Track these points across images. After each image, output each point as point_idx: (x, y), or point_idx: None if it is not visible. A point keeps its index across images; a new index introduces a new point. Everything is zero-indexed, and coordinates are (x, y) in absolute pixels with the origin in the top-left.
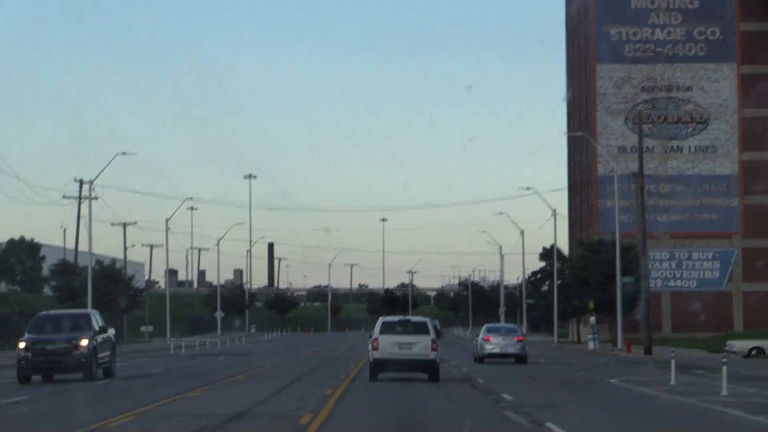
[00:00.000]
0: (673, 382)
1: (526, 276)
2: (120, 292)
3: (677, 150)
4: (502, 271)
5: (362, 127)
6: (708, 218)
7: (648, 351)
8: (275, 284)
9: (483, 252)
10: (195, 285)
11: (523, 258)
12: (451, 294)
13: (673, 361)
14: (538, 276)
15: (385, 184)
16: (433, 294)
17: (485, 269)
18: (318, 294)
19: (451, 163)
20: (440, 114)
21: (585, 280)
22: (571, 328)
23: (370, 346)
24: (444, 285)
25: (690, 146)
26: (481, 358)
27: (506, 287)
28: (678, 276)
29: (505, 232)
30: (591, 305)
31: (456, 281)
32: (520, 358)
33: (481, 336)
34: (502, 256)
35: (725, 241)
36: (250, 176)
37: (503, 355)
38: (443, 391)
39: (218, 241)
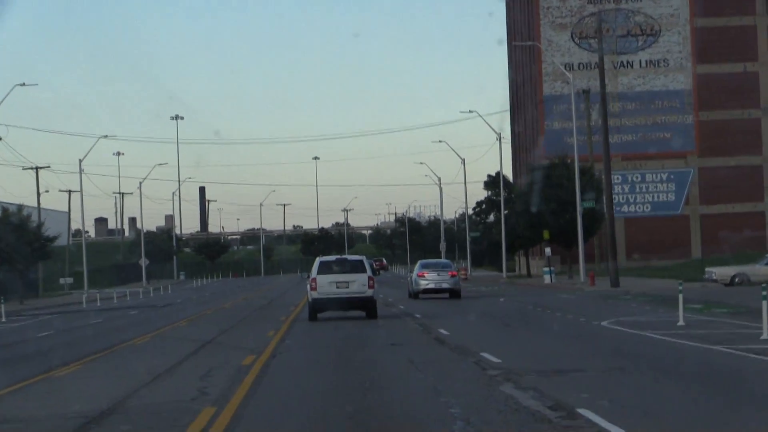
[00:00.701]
0: (681, 322)
1: (471, 208)
2: (22, 243)
3: (627, 65)
4: (441, 204)
5: (288, 62)
6: (662, 137)
7: (615, 283)
8: (208, 229)
9: (422, 185)
10: (126, 233)
11: (465, 188)
12: (388, 231)
13: (681, 296)
14: (483, 206)
15: (317, 119)
16: (368, 232)
17: (424, 204)
18: (252, 237)
19: (386, 91)
20: (371, 40)
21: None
22: (518, 261)
23: (308, 286)
24: (380, 222)
25: (641, 61)
26: (416, 294)
27: (447, 222)
28: (631, 200)
29: (446, 162)
30: (546, 235)
31: (392, 218)
32: (454, 293)
33: (415, 272)
34: (440, 189)
35: (680, 161)
36: (176, 117)
37: (437, 290)
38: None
39: (140, 183)
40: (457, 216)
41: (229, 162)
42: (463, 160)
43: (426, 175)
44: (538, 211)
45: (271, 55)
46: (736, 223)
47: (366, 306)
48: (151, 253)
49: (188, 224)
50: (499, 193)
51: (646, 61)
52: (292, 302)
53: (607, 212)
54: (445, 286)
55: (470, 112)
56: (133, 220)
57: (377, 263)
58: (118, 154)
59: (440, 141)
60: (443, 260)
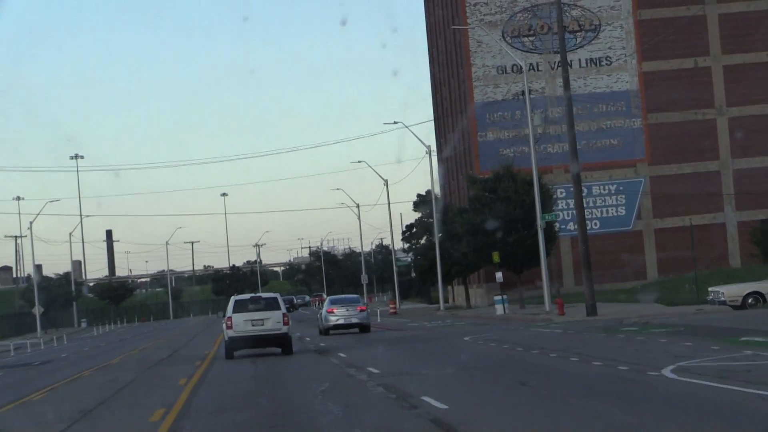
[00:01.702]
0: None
1: (400, 233)
2: None
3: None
4: (360, 232)
5: (189, 99)
6: (608, 144)
7: (592, 311)
8: (115, 273)
9: (337, 214)
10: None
11: (390, 210)
12: (303, 266)
13: None
14: (414, 230)
15: (224, 164)
16: (281, 269)
17: (338, 236)
18: (162, 279)
19: (296, 119)
20: (273, 72)
21: (479, 227)
22: (452, 291)
23: (224, 325)
24: (293, 258)
25: (580, 59)
26: (326, 330)
27: (365, 253)
28: (558, 219)
29: (365, 188)
30: (496, 258)
31: (306, 252)
32: (364, 328)
33: (324, 309)
34: (359, 216)
35: (629, 170)
36: (76, 156)
37: (347, 326)
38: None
39: (30, 223)
40: (374, 246)
41: (134, 204)
42: (386, 181)
43: (342, 204)
44: (484, 231)
45: (171, 93)
46: (695, 236)
47: (281, 343)
48: (48, 300)
49: (96, 269)
50: (431, 214)
51: (587, 60)
52: (199, 353)
53: (579, 228)
54: (354, 321)
55: (395, 123)
56: (39, 267)
57: (318, 298)
58: (18, 199)
59: (359, 161)
60: (352, 296)
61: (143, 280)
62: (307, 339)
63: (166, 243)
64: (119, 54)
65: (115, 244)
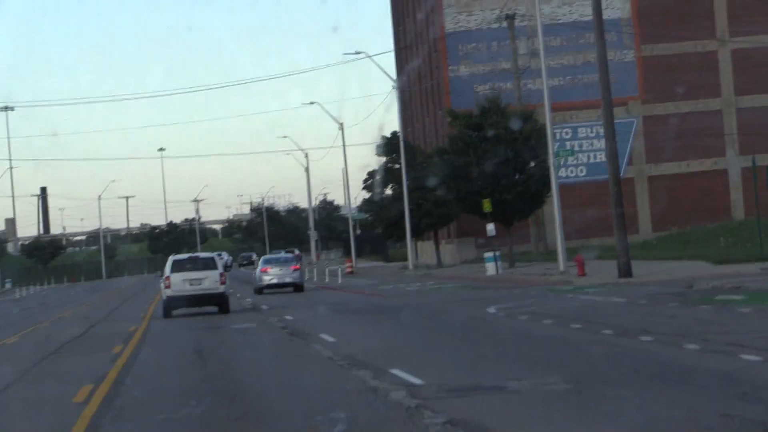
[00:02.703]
0: None
1: (360, 182)
2: None
3: None
4: (309, 182)
5: (127, 55)
6: (595, 80)
7: (626, 271)
8: (50, 231)
9: (283, 173)
10: None
11: (345, 154)
12: (243, 223)
13: None
14: (376, 178)
15: (163, 114)
16: (221, 226)
17: (282, 194)
18: (98, 238)
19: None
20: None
21: (462, 171)
22: (415, 248)
23: (162, 284)
24: (234, 215)
25: None
26: (260, 290)
27: (331, 206)
28: (562, 162)
29: (320, 134)
30: (487, 206)
31: (247, 209)
32: (298, 287)
33: (259, 268)
34: (307, 164)
35: (620, 109)
36: (6, 108)
37: (281, 285)
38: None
39: None
40: (318, 202)
41: (70, 158)
42: (341, 124)
43: (289, 152)
44: (467, 176)
45: (107, 51)
46: (694, 185)
47: (218, 302)
48: None
49: (30, 226)
50: (397, 159)
51: None
52: (122, 328)
53: (610, 166)
54: (288, 280)
55: (357, 53)
56: None
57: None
58: None
59: (312, 102)
60: (285, 255)
61: (78, 238)
62: (238, 295)
63: (99, 197)
64: (56, 7)
65: (50, 201)
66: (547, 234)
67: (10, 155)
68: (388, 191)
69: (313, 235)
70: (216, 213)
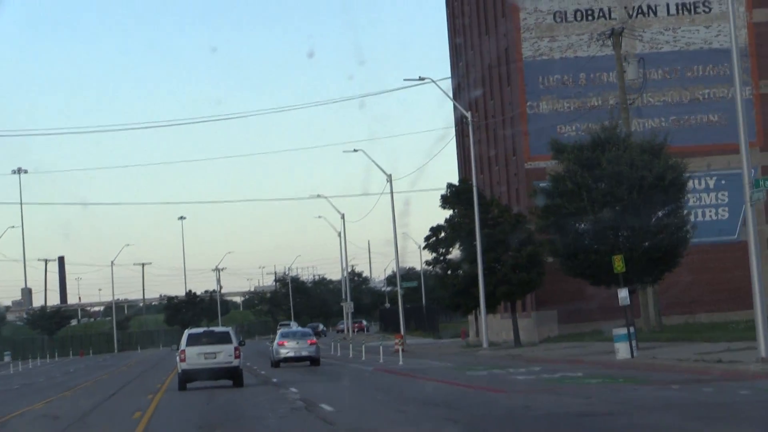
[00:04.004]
0: None
1: (424, 238)
2: None
3: (649, 13)
4: (344, 247)
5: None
6: (705, 121)
7: None
8: (67, 301)
9: (308, 241)
10: None
11: (393, 210)
12: (268, 294)
13: None
14: (441, 235)
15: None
16: (241, 299)
17: (305, 265)
18: (117, 308)
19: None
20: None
21: (569, 219)
22: (475, 322)
23: (177, 357)
24: (255, 286)
25: (669, 5)
26: (277, 363)
27: (335, 281)
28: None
29: (351, 199)
30: (619, 264)
31: (269, 281)
32: (314, 361)
33: (276, 341)
34: (344, 227)
35: (734, 157)
36: (19, 171)
37: (298, 359)
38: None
39: None
40: (347, 273)
41: (91, 229)
42: (389, 176)
43: (319, 217)
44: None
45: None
46: None
47: (233, 375)
48: None
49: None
50: (469, 212)
51: (678, 6)
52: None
53: None
54: (304, 354)
55: (421, 79)
56: None
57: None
58: None
59: (355, 151)
60: (304, 329)
61: (96, 309)
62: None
63: (111, 263)
64: (80, 74)
65: (65, 269)
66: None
67: (22, 221)
68: (456, 251)
69: (348, 307)
70: (237, 284)
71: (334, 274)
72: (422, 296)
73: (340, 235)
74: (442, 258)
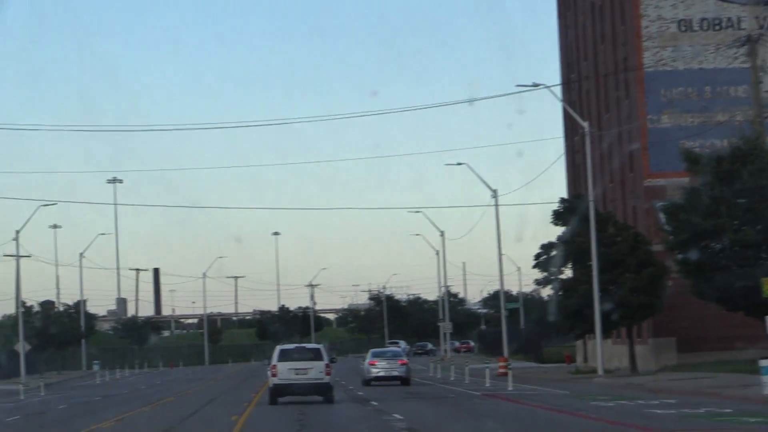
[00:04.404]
0: None
1: (534, 256)
2: None
3: None
4: (444, 264)
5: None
6: None
7: None
8: (161, 312)
9: (404, 261)
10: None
11: (498, 225)
12: (362, 312)
13: None
14: (552, 254)
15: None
16: (335, 316)
17: (398, 285)
18: (212, 322)
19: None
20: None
21: (704, 237)
22: (584, 346)
23: (269, 372)
24: (349, 304)
25: None
26: (368, 381)
27: (429, 301)
28: None
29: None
30: None
31: (363, 299)
32: (404, 381)
33: (367, 361)
34: (443, 245)
35: None
36: (114, 180)
37: (388, 378)
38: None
39: (80, 254)
40: (445, 291)
41: (185, 241)
42: (495, 191)
43: (417, 234)
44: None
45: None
46: None
47: (323, 392)
48: (58, 337)
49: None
50: (584, 229)
51: None
52: None
53: None
54: (395, 374)
55: (535, 85)
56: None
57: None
58: (55, 227)
59: (460, 164)
60: (394, 349)
61: (191, 321)
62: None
63: (204, 275)
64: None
65: (160, 280)
66: None
67: (116, 230)
68: (566, 272)
69: (446, 326)
70: (330, 300)
71: (429, 293)
72: (520, 319)
73: (438, 253)
74: (553, 277)
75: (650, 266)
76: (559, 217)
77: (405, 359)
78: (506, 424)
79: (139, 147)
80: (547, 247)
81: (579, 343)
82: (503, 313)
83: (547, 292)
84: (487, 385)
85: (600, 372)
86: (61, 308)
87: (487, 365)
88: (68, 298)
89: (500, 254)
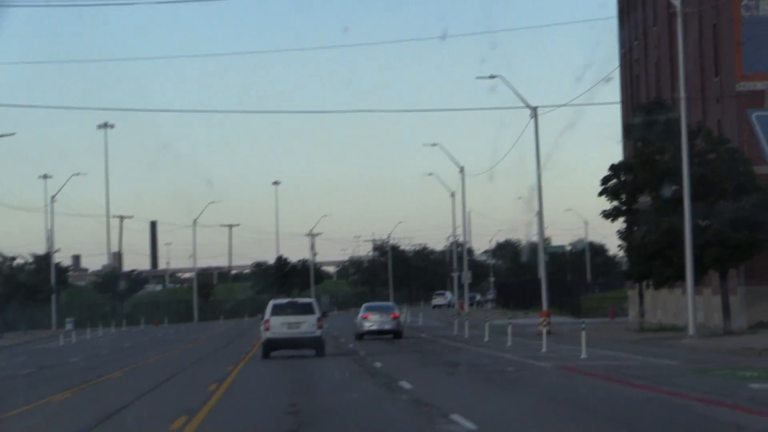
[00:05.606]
0: None
1: (601, 181)
2: None
3: None
4: (464, 208)
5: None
6: None
7: None
8: (158, 266)
9: (422, 199)
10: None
11: (538, 148)
12: (365, 263)
13: None
14: (622, 178)
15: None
16: (335, 268)
17: (402, 236)
18: (206, 275)
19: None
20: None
21: None
22: (642, 298)
23: (262, 327)
24: (350, 257)
25: None
26: (361, 335)
27: (436, 252)
28: None
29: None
30: None
31: (363, 251)
32: (397, 334)
33: (360, 314)
34: (463, 182)
35: None
36: (105, 125)
37: (380, 332)
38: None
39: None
40: (448, 243)
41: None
42: (535, 109)
43: (430, 174)
44: None
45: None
46: None
47: (315, 345)
48: (27, 293)
49: (139, 261)
50: (665, 144)
51: None
52: None
53: None
54: (387, 327)
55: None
56: (77, 258)
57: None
58: (45, 176)
59: (492, 76)
60: (387, 303)
61: (187, 275)
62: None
63: (194, 222)
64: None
65: (157, 233)
66: None
67: (107, 178)
68: (645, 199)
69: (466, 277)
70: (330, 253)
71: (435, 243)
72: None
73: (453, 195)
74: (625, 207)
75: (754, 192)
76: (629, 132)
77: (397, 313)
78: None
79: (130, 92)
80: (616, 168)
81: (631, 293)
82: (543, 258)
83: (616, 226)
84: (544, 350)
85: (691, 332)
86: (31, 260)
87: (514, 321)
88: (62, 255)
89: (539, 182)
